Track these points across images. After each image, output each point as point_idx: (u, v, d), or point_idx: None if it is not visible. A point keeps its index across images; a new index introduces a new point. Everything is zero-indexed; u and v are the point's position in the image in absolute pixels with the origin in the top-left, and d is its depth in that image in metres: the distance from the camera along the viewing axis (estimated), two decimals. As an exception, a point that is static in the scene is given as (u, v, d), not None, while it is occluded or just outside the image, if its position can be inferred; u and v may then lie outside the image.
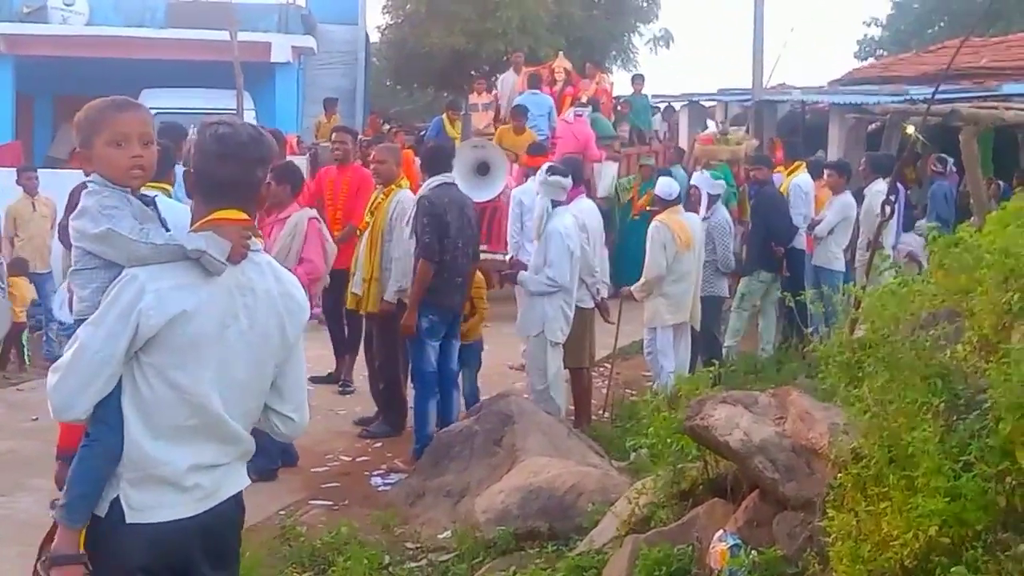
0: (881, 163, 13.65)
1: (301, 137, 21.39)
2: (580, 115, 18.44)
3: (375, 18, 47.67)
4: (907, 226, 14.96)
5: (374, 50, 31.04)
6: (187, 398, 3.55)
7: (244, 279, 3.65)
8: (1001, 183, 19.17)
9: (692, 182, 12.57)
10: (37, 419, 9.82)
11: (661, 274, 10.56)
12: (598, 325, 10.48)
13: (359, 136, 20.48)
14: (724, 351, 12.38)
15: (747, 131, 21.05)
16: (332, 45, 26.76)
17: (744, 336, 12.81)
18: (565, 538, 6.69)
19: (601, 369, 11.91)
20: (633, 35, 32.23)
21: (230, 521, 3.81)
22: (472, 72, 26.93)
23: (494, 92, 22.13)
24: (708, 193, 12.22)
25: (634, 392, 10.82)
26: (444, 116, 19.97)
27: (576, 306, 9.73)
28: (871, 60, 37.47)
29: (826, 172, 13.96)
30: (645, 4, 31.74)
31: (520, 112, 18.11)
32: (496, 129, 19.08)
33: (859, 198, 13.38)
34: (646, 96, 22.64)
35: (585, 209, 10.39)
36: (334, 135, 12.20)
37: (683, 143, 23.02)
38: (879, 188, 12.23)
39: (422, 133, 21.03)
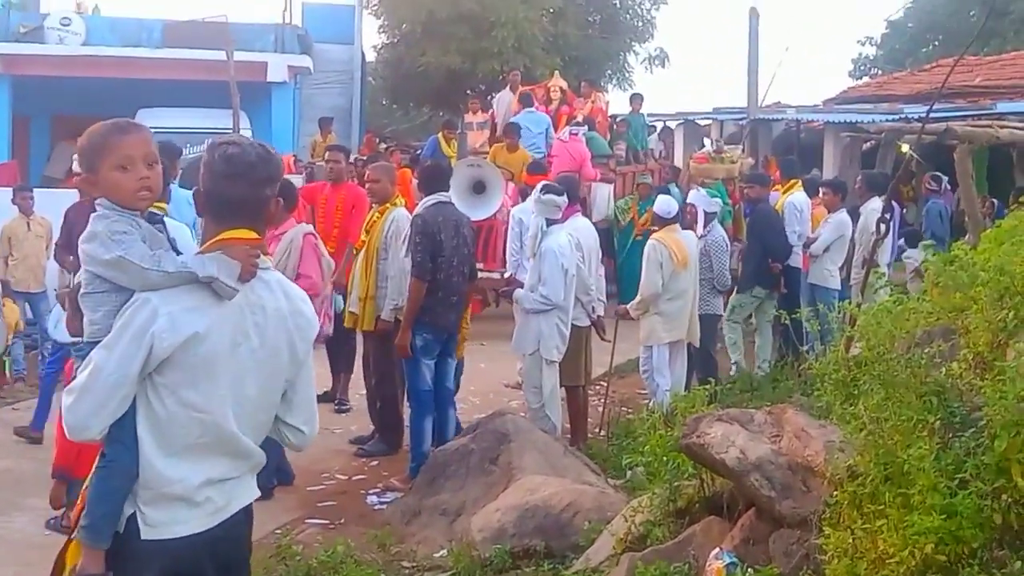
0: (877, 181, 13.67)
1: (297, 156, 21.42)
2: (575, 134, 18.47)
3: (371, 38, 47.63)
4: (912, 243, 14.98)
5: (370, 69, 31.06)
6: (200, 416, 3.59)
7: (254, 297, 3.70)
8: (995, 201, 19.20)
9: (689, 200, 12.56)
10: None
11: (657, 292, 10.56)
12: (594, 343, 10.48)
13: (355, 155, 20.56)
14: (732, 367, 12.43)
15: (743, 150, 21.09)
16: (328, 64, 26.81)
17: (735, 346, 12.79)
18: (561, 556, 6.68)
19: (597, 387, 11.90)
20: (628, 54, 32.21)
21: (241, 533, 3.86)
22: (468, 91, 26.92)
23: (490, 111, 22.15)
24: (705, 211, 12.23)
25: (630, 410, 10.81)
26: (440, 135, 19.99)
27: (572, 324, 9.73)
28: (866, 79, 37.53)
29: (821, 190, 13.98)
30: (640, 23, 31.73)
31: (513, 130, 18.13)
32: (491, 148, 19.09)
33: (855, 216, 13.40)
34: (643, 115, 22.67)
35: (580, 227, 10.39)
36: (327, 154, 12.22)
37: (678, 162, 23.06)
38: (875, 206, 12.25)
39: (418, 152, 21.03)
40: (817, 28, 78.70)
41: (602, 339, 10.58)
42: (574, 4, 29.87)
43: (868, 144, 22.06)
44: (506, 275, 12.77)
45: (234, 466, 3.75)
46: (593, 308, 10.25)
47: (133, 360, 3.48)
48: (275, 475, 8.63)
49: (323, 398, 11.26)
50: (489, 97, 24.78)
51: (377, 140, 23.84)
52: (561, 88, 21.14)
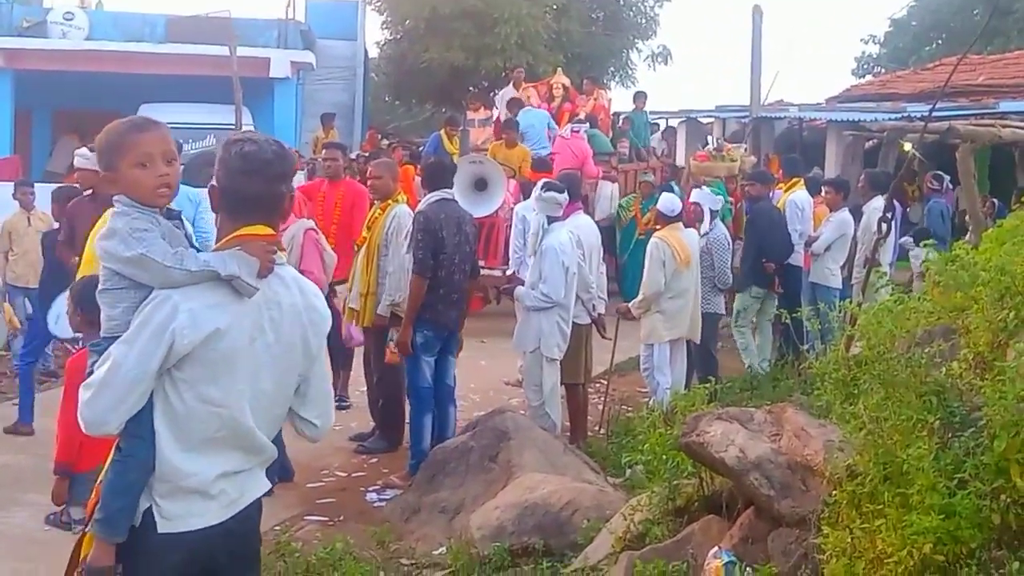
0: (880, 180, 13.65)
1: (300, 152, 21.42)
2: (576, 131, 18.46)
3: (374, 34, 47.59)
4: (920, 241, 14.98)
5: (373, 65, 31.08)
6: (218, 411, 3.63)
7: (270, 293, 3.73)
8: (995, 201, 19.17)
9: (692, 198, 12.55)
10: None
11: (659, 290, 10.54)
12: (595, 341, 10.47)
13: (357, 152, 20.55)
14: (747, 370, 12.42)
15: (746, 148, 21.09)
16: (331, 60, 26.83)
17: (747, 350, 12.76)
18: (560, 555, 6.68)
19: (597, 385, 11.90)
20: (631, 51, 32.22)
21: (253, 525, 3.92)
22: (470, 88, 26.94)
23: (493, 108, 22.15)
24: (709, 209, 12.23)
25: (630, 408, 10.80)
26: (442, 132, 19.98)
27: (572, 322, 9.73)
28: (869, 77, 37.51)
29: (823, 189, 13.98)
30: (644, 21, 31.75)
31: (511, 126, 18.12)
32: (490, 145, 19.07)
33: (858, 215, 13.39)
34: (645, 113, 22.67)
35: (582, 225, 10.39)
36: (324, 152, 12.20)
37: (681, 160, 23.05)
38: (878, 205, 12.23)
39: (420, 148, 21.04)
40: (820, 26, 78.74)
41: (603, 337, 10.57)
42: (577, 1, 29.92)
43: (870, 143, 22.05)
44: (507, 272, 12.76)
45: (247, 460, 3.80)
46: (594, 306, 10.24)
47: (153, 356, 3.51)
48: (276, 472, 8.63)
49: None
50: (492, 94, 24.78)
51: (379, 136, 23.83)
52: (564, 85, 21.14)
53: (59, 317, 10.04)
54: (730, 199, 16.56)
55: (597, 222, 13.29)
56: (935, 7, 38.82)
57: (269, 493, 8.32)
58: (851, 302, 6.84)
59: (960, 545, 3.94)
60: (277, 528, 7.77)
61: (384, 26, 30.37)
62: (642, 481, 7.14)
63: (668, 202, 10.98)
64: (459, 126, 20.66)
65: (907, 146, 17.58)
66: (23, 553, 7.43)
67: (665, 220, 10.85)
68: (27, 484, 8.42)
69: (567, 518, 6.94)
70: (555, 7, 28.84)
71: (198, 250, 3.69)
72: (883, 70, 38.13)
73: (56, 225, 10.83)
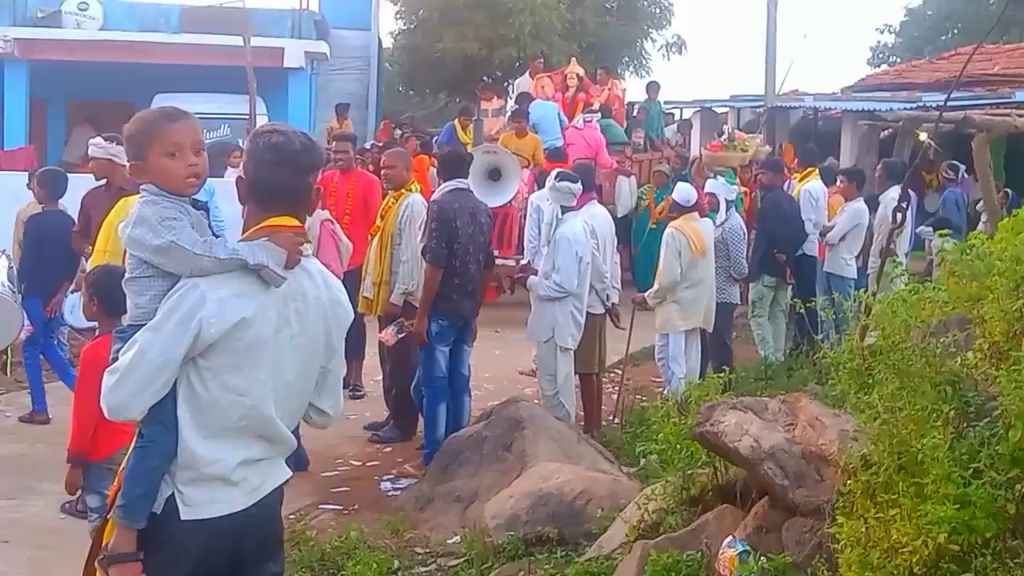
0: (898, 170, 13.61)
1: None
2: (589, 121, 18.43)
3: (388, 23, 47.58)
4: (937, 231, 14.93)
5: (387, 55, 31.08)
6: (241, 400, 3.65)
7: (296, 285, 3.76)
8: (1008, 191, 19.08)
9: (708, 188, 12.53)
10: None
11: (675, 280, 10.53)
12: (609, 331, 10.47)
13: (371, 142, 20.55)
14: (762, 360, 12.41)
15: (761, 138, 21.05)
16: (345, 50, 26.82)
17: (764, 342, 12.73)
18: (574, 544, 6.69)
19: (612, 375, 11.90)
20: (646, 41, 32.18)
21: (275, 512, 3.94)
22: (484, 78, 26.91)
23: (507, 98, 22.13)
24: (725, 199, 12.21)
25: (644, 398, 10.80)
26: (456, 122, 19.95)
27: (587, 312, 9.73)
28: (884, 67, 37.41)
29: (838, 179, 13.94)
30: (658, 10, 31.71)
31: (521, 114, 18.09)
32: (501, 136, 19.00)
33: (875, 205, 13.36)
34: (659, 103, 22.65)
35: (596, 215, 10.39)
36: (334, 144, 12.18)
37: (696, 149, 23.00)
38: (894, 195, 12.18)
39: (432, 137, 21.03)
40: (835, 15, 78.40)
41: (616, 327, 10.57)
42: (592, -9, 29.84)
43: (886, 132, 21.96)
44: (521, 262, 12.76)
45: (268, 449, 3.82)
46: (607, 296, 10.24)
47: (179, 344, 3.53)
48: (291, 461, 8.63)
49: (339, 385, 11.29)
50: (506, 84, 24.77)
51: (393, 127, 23.83)
52: (578, 75, 21.10)
53: (75, 307, 10.08)
54: (743, 188, 16.53)
55: (620, 218, 13.30)
56: (950, -4, 38.73)
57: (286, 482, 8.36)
58: (866, 292, 6.83)
59: (975, 535, 3.93)
60: (292, 516, 7.79)
61: (398, 16, 30.40)
62: (656, 471, 7.13)
63: (683, 192, 10.96)
64: (473, 116, 20.64)
65: (922, 136, 17.54)
66: (39, 541, 7.47)
67: (680, 210, 10.83)
68: (43, 473, 8.44)
69: (581, 507, 6.94)
70: (569, -3, 28.81)
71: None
72: (899, 59, 38.06)
73: (40, 209, 10.88)
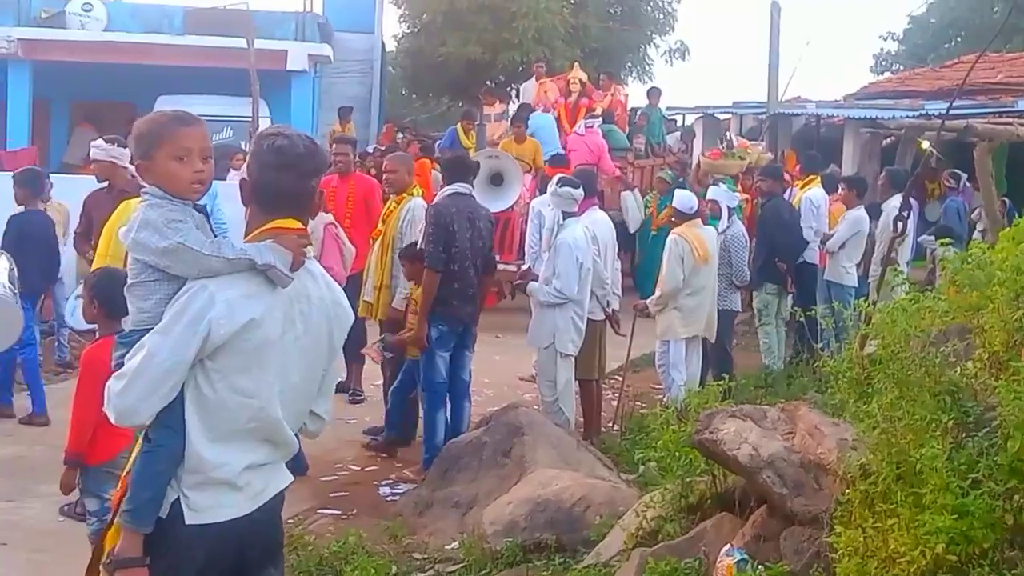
0: (901, 178, 13.62)
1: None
2: (591, 126, 18.42)
3: (391, 27, 47.70)
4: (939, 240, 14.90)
5: (390, 59, 31.09)
6: (250, 402, 3.65)
7: (300, 286, 3.77)
8: (1006, 200, 19.04)
9: (710, 196, 12.53)
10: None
11: (678, 287, 10.51)
12: (609, 337, 10.46)
13: (374, 145, 20.52)
14: (763, 368, 12.41)
15: (763, 145, 21.06)
16: (348, 53, 26.82)
17: (769, 351, 12.72)
18: (572, 551, 6.68)
19: (612, 381, 11.90)
20: (649, 47, 32.21)
21: (277, 516, 3.96)
22: (487, 82, 26.93)
23: (509, 102, 22.13)
24: (727, 206, 12.21)
25: (644, 405, 10.78)
26: (459, 126, 19.96)
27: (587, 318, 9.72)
28: (887, 74, 37.43)
29: (840, 186, 13.93)
30: (661, 16, 31.72)
31: (521, 119, 18.08)
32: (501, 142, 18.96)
33: (877, 213, 13.36)
34: (660, 109, 22.65)
35: (597, 220, 10.38)
36: (334, 146, 12.12)
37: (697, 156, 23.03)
38: (896, 204, 12.20)
39: (435, 141, 21.03)
40: (839, 23, 78.40)
41: (617, 333, 10.56)
42: (595, -5, 29.86)
43: (888, 140, 21.97)
44: (522, 267, 12.76)
45: (273, 453, 3.83)
46: (608, 302, 10.23)
47: (188, 346, 3.53)
48: (289, 465, 8.63)
49: (338, 388, 11.26)
50: (509, 88, 24.77)
51: (396, 130, 23.84)
52: (581, 80, 21.10)
53: (75, 309, 10.08)
54: (744, 196, 16.52)
55: (633, 233, 13.19)
56: (954, 4, 38.75)
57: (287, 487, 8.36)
58: (867, 300, 6.82)
59: (973, 545, 3.93)
60: (291, 521, 7.78)
61: (401, 19, 30.41)
62: (655, 478, 7.13)
63: (684, 199, 10.96)
64: (476, 120, 20.65)
65: (925, 144, 17.55)
66: (37, 544, 7.46)
67: (682, 217, 10.82)
68: (41, 475, 8.42)
69: (579, 514, 6.94)
70: (573, 2, 28.84)
71: None
72: (901, 67, 38.09)
73: (22, 208, 10.90)
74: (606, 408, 10.90)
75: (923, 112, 19.70)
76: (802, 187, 14.46)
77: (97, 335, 6.35)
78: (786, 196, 14.08)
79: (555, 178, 10.21)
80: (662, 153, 21.57)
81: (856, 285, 13.08)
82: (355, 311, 10.13)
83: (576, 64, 22.62)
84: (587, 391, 10.21)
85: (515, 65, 26.83)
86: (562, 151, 17.20)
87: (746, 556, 4.91)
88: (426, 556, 7.30)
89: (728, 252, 11.64)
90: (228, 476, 3.65)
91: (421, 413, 9.61)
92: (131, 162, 3.90)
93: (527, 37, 26.58)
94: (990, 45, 19.57)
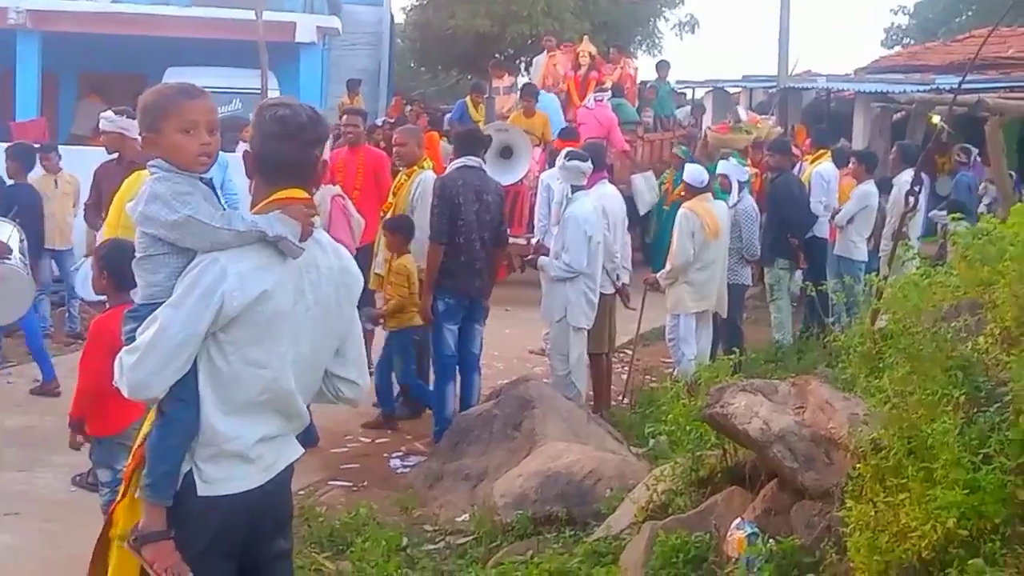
0: (912, 153, 13.59)
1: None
2: (601, 100, 18.37)
3: (400, -1, 47.68)
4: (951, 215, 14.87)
5: (398, 31, 31.02)
6: (263, 373, 3.65)
7: (309, 256, 3.76)
8: (1012, 174, 18.98)
9: (720, 170, 12.50)
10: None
11: (688, 261, 10.48)
12: (619, 311, 10.46)
13: (383, 118, 20.49)
14: (773, 343, 12.40)
15: (773, 119, 21.00)
16: (357, 26, 26.73)
17: (781, 327, 12.71)
18: (583, 523, 6.70)
19: (622, 355, 11.90)
20: (658, 20, 32.14)
21: (287, 489, 3.97)
22: (495, 55, 26.86)
23: (518, 75, 22.10)
24: (737, 180, 12.19)
25: (654, 379, 10.79)
26: (468, 99, 19.91)
27: (598, 291, 9.72)
28: (898, 48, 37.31)
29: (850, 161, 13.89)
30: (671, -11, 31.66)
31: (530, 93, 18.04)
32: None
33: (888, 187, 13.33)
34: (669, 83, 22.58)
35: (607, 194, 10.36)
36: (344, 118, 12.06)
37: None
38: (907, 178, 12.16)
39: (446, 116, 21.00)
40: (849, -4, 77.96)
41: (626, 307, 10.55)
42: (605, -31, 29.74)
43: (898, 115, 21.91)
44: (533, 241, 12.75)
45: (285, 425, 3.83)
46: (618, 276, 10.22)
47: (201, 319, 3.53)
48: (301, 437, 8.65)
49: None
50: (518, 61, 24.71)
51: (404, 103, 23.80)
52: (590, 53, 21.04)
53: (85, 279, 10.12)
54: (754, 170, 16.47)
55: (644, 215, 13.16)
56: (965, -22, 38.55)
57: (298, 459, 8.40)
58: (877, 274, 6.82)
59: (984, 520, 3.93)
60: (301, 492, 7.81)
61: (410, -8, 30.35)
62: (665, 451, 7.14)
63: (695, 173, 10.91)
64: (485, 93, 20.61)
65: (935, 119, 17.48)
66: (48, 513, 7.50)
67: (693, 191, 10.80)
68: (52, 445, 8.44)
69: (590, 487, 6.96)
70: (582, -26, 28.73)
71: None
72: (912, 41, 37.96)
73: (11, 182, 11.36)
74: (616, 382, 10.91)
75: (934, 86, 19.65)
76: (812, 161, 14.43)
77: (107, 305, 6.37)
78: (796, 171, 14.04)
79: (563, 151, 10.18)
80: (671, 127, 21.52)
81: (866, 260, 13.06)
82: (366, 283, 10.22)
83: (585, 37, 22.56)
84: (597, 365, 10.21)
85: (524, 38, 26.78)
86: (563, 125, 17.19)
87: (756, 530, 4.92)
88: (436, 528, 7.33)
89: (739, 226, 11.62)
90: (241, 448, 3.66)
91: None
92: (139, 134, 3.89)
93: (536, 10, 26.53)
94: (1002, 20, 19.45)
